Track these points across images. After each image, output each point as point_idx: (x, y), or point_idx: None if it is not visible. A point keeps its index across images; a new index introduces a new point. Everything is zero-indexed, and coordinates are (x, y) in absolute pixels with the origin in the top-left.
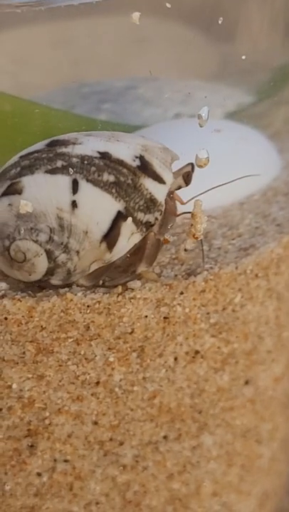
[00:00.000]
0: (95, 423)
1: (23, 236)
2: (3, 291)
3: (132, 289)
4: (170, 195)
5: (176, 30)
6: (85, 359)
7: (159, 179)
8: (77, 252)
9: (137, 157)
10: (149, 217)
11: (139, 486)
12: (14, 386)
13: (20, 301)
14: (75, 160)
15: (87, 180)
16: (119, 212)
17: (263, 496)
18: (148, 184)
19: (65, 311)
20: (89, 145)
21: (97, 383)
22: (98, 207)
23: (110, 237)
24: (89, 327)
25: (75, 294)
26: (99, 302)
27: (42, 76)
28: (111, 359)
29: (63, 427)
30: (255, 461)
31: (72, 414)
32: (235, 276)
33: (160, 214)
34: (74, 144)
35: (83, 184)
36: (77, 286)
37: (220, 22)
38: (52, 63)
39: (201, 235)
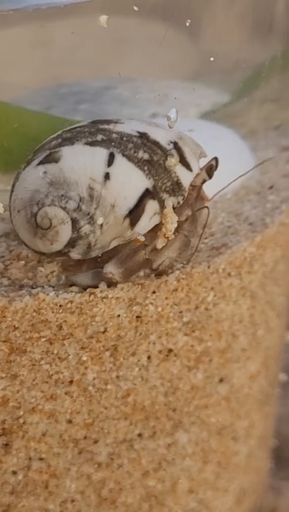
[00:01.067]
0: (69, 421)
1: (51, 202)
2: None
3: (103, 290)
4: (195, 190)
5: (156, 30)
6: (58, 358)
7: (187, 166)
8: (101, 226)
9: (171, 142)
10: (173, 200)
11: (115, 483)
12: None
13: None
14: (114, 136)
15: (123, 155)
16: (146, 190)
17: (240, 492)
18: (177, 168)
19: (37, 310)
20: (130, 125)
21: (71, 382)
22: (129, 181)
23: (134, 213)
24: (62, 326)
25: (48, 294)
26: (71, 302)
27: (22, 77)
28: (84, 358)
29: (38, 426)
30: (232, 458)
31: (46, 412)
32: (208, 275)
33: (183, 199)
34: (116, 122)
35: (119, 158)
36: (113, 283)
37: (187, 24)
38: (32, 64)
39: (172, 234)
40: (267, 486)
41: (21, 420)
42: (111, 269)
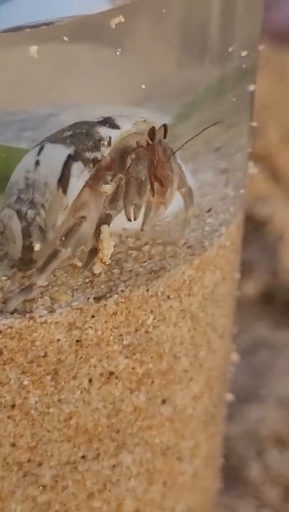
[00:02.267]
0: (13, 445)
1: (1, 207)
2: None
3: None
4: (136, 157)
5: (105, 54)
6: (0, 383)
7: (112, 126)
8: (43, 206)
9: (103, 117)
10: (96, 154)
11: (60, 505)
12: None
13: None
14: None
15: (50, 142)
16: (69, 156)
17: None
18: (100, 129)
19: None
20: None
21: (13, 406)
22: (53, 157)
23: (63, 179)
24: (2, 352)
25: None
26: (11, 327)
27: None
28: (25, 382)
29: None
30: (177, 478)
31: None
32: (147, 298)
33: (108, 150)
34: None
35: (46, 145)
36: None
37: (118, 53)
38: None
39: (109, 259)
40: (221, 504)
41: None
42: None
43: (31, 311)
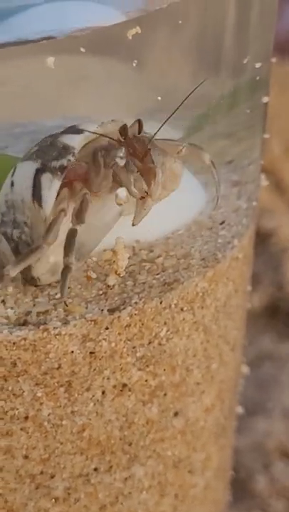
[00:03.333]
0: (26, 457)
1: None
2: None
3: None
4: (105, 151)
5: (113, 67)
6: (13, 395)
7: (76, 132)
8: (25, 223)
9: (67, 127)
10: (62, 162)
11: None
12: None
13: None
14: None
15: (21, 161)
16: (37, 170)
17: None
18: (63, 138)
19: None
20: None
21: (26, 418)
22: (24, 175)
23: (36, 193)
24: (16, 363)
25: (1, 332)
26: (25, 339)
27: None
28: (39, 394)
29: None
30: (189, 490)
31: (2, 448)
32: (160, 310)
33: (73, 156)
34: None
35: (18, 165)
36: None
37: (134, 64)
38: None
39: (123, 271)
40: None
41: None
42: (8, 268)
43: (45, 323)
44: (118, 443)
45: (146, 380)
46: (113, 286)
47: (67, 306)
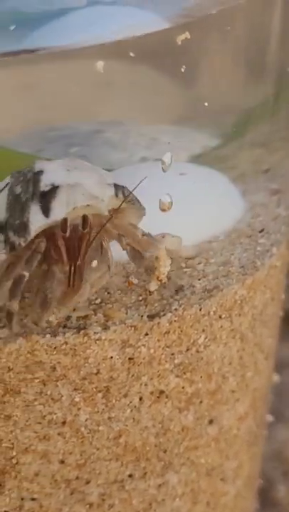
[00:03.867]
0: (62, 462)
1: None
2: None
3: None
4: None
5: (143, 74)
6: (52, 399)
7: (45, 210)
8: None
9: (52, 184)
10: (15, 239)
11: None
12: None
13: None
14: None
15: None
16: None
17: None
18: (32, 209)
19: (31, 352)
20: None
21: (64, 423)
22: None
23: None
24: (55, 368)
25: (43, 336)
26: (66, 343)
27: (6, 121)
28: (77, 399)
29: (30, 466)
30: (220, 498)
31: (39, 453)
32: (199, 317)
33: (24, 241)
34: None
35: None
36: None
37: (183, 70)
38: (17, 108)
39: (165, 277)
40: None
41: (14, 461)
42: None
43: (85, 328)
44: (153, 450)
45: (183, 387)
46: (153, 292)
47: None
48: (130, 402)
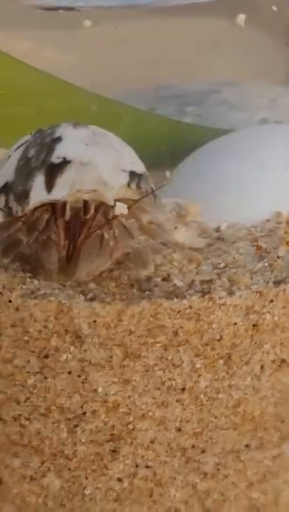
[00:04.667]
0: (179, 430)
1: None
2: (92, 294)
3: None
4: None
5: (251, 35)
6: (172, 365)
7: (49, 186)
8: None
9: (64, 158)
10: (14, 205)
11: (219, 494)
12: (100, 390)
13: (110, 304)
14: None
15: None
16: (5, 184)
17: None
18: (36, 178)
19: (154, 315)
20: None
21: (183, 389)
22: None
23: None
24: (178, 333)
25: (166, 299)
26: (190, 307)
27: (115, 77)
28: (198, 365)
29: (146, 433)
30: None
31: (156, 419)
32: None
33: (22, 210)
34: None
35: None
36: None
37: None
38: (127, 64)
39: None
40: None
41: (130, 426)
42: None
43: (209, 292)
44: (271, 419)
45: None
46: (281, 257)
47: None
48: (251, 370)
